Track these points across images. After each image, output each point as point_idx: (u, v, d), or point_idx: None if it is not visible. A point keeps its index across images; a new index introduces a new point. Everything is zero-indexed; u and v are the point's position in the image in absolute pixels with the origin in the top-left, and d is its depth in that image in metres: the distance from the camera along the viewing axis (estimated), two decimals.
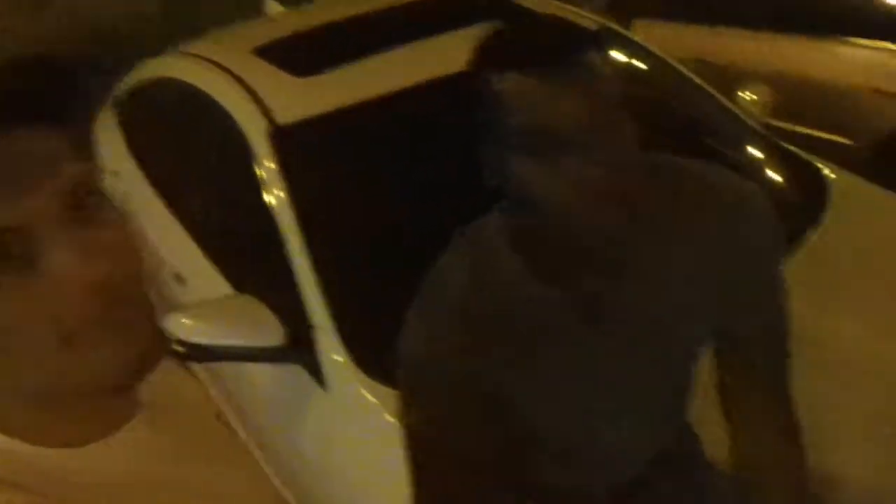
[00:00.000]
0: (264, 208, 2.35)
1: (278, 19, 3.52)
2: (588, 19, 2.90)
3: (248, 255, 2.54)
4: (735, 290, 1.30)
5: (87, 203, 0.73)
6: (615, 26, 3.15)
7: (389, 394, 1.99)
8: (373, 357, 2.07)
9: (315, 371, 2.17)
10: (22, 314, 0.70)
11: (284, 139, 2.43)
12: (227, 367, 2.57)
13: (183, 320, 2.21)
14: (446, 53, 2.51)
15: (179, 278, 2.82)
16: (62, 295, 0.70)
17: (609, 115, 1.09)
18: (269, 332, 2.15)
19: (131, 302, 0.75)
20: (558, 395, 1.32)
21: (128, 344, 0.74)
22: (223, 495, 0.88)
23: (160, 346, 0.80)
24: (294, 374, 2.23)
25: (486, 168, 1.16)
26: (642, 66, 2.96)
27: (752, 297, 1.33)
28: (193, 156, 2.96)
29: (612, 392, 1.34)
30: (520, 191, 1.13)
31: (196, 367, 3.06)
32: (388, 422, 1.99)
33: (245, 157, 2.48)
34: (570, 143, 1.06)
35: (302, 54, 2.78)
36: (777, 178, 2.79)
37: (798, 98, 4.02)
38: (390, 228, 2.22)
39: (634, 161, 1.15)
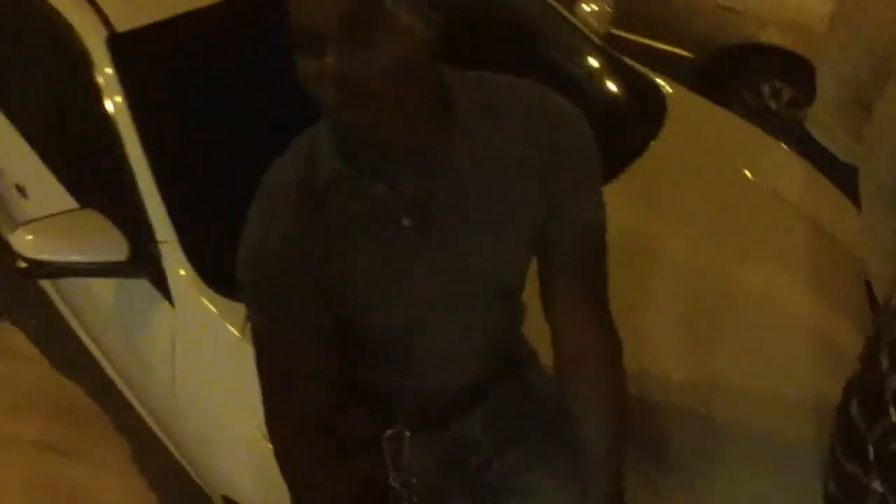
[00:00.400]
0: (105, 118, 2.30)
1: None
2: None
3: (90, 169, 2.48)
4: (555, 192, 1.36)
5: None
6: None
7: (234, 307, 2.03)
8: (217, 271, 2.08)
9: (161, 285, 2.17)
10: None
11: (123, 46, 2.36)
12: (74, 283, 2.54)
13: (26, 237, 2.16)
14: None
15: (21, 189, 2.74)
16: None
17: (377, 18, 1.12)
18: (113, 247, 2.13)
19: None
20: (383, 288, 1.38)
21: None
22: None
23: None
24: (140, 288, 2.22)
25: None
26: None
27: (571, 201, 1.38)
28: (30, 64, 2.83)
29: (442, 290, 1.39)
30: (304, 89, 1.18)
31: (44, 282, 3.01)
32: (233, 335, 2.03)
33: (84, 64, 2.40)
34: (325, 42, 1.12)
35: None
36: (615, 90, 2.89)
37: (640, 10, 4.13)
38: (230, 139, 2.21)
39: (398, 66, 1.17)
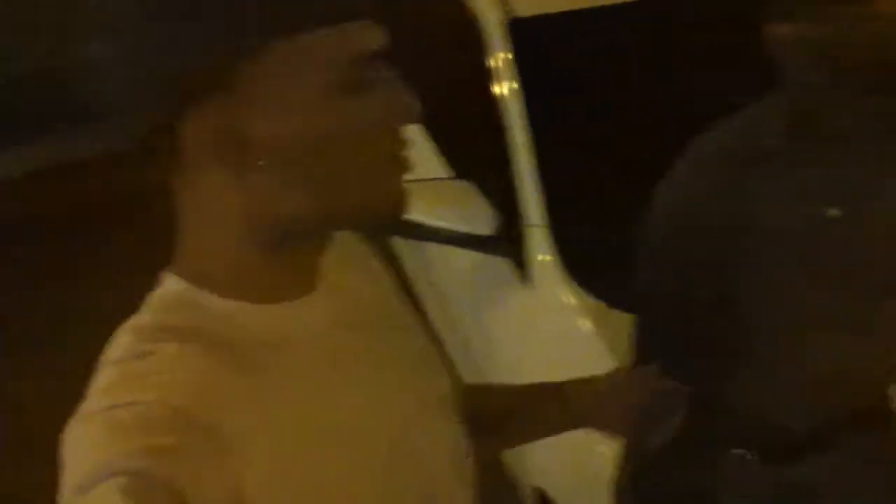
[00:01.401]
0: (493, 98, 2.36)
1: None
2: None
3: (470, 144, 2.57)
4: None
5: None
6: None
7: (589, 302, 2.02)
8: (581, 262, 2.08)
9: (520, 266, 2.20)
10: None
11: (521, 31, 2.41)
12: (433, 248, 2.66)
13: None
14: None
15: None
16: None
17: None
18: (482, 220, 2.20)
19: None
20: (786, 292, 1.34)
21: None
22: (401, 365, 0.94)
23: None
24: (498, 265, 2.27)
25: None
26: None
27: None
28: (423, 37, 2.98)
29: (854, 303, 1.32)
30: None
31: (400, 243, 3.18)
32: (585, 327, 2.01)
33: (477, 44, 2.49)
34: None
35: None
36: None
37: None
38: (618, 137, 2.19)
39: None
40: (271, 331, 0.83)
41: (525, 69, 2.36)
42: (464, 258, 2.44)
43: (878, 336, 1.38)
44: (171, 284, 0.84)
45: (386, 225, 2.34)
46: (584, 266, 2.08)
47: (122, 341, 0.81)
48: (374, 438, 0.86)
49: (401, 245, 3.22)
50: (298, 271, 0.86)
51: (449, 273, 2.63)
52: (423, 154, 2.74)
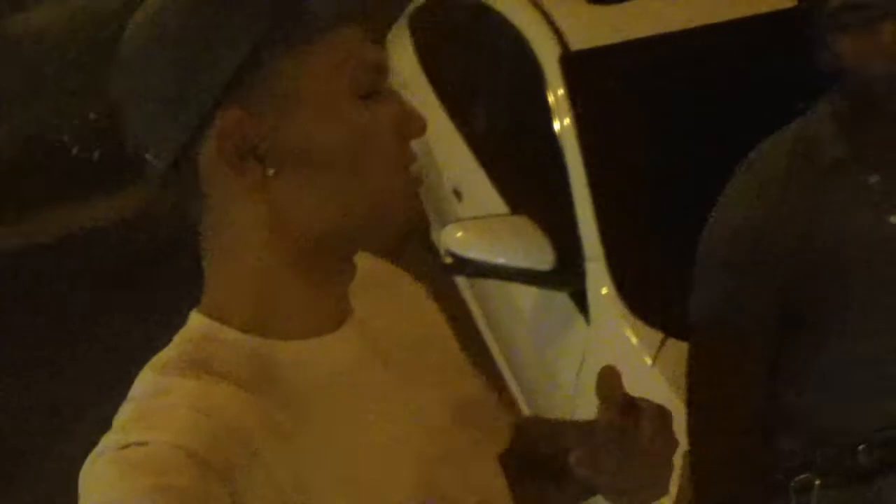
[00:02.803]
0: (549, 133, 2.36)
1: None
2: None
3: (527, 178, 2.57)
4: None
5: None
6: None
7: (650, 334, 1.99)
8: (641, 295, 2.06)
9: (579, 301, 2.18)
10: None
11: (576, 65, 2.42)
12: (492, 285, 2.65)
13: (457, 233, 2.28)
14: None
15: (457, 193, 2.91)
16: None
17: None
18: (541, 255, 2.18)
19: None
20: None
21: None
22: (426, 410, 0.91)
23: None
24: (557, 301, 2.25)
25: (813, 53, 1.26)
26: None
27: None
28: (480, 73, 3.01)
29: None
30: (836, 65, 1.23)
31: (460, 281, 3.18)
32: (645, 361, 1.98)
33: (533, 79, 2.49)
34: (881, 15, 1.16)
35: None
36: None
37: None
38: (672, 168, 2.17)
39: None
40: (297, 367, 0.82)
41: (582, 102, 2.35)
42: (524, 295, 2.43)
43: None
44: (195, 322, 0.84)
45: (447, 265, 2.34)
46: (643, 298, 2.05)
47: (144, 377, 0.81)
48: (401, 479, 0.85)
49: (462, 283, 3.22)
50: (326, 303, 0.86)
51: (510, 310, 2.62)
52: (480, 190, 2.75)
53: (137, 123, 0.81)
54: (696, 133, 2.24)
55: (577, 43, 2.47)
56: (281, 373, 0.82)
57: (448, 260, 2.33)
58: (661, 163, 2.20)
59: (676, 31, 2.42)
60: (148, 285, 3.95)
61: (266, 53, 0.77)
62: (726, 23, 2.40)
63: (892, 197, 1.30)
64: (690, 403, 1.45)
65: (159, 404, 0.77)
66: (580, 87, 2.37)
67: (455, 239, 2.28)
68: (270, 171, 0.78)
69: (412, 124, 0.84)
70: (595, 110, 2.33)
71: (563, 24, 2.53)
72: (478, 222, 2.35)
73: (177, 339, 0.84)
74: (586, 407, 2.10)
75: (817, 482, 1.45)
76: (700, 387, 1.44)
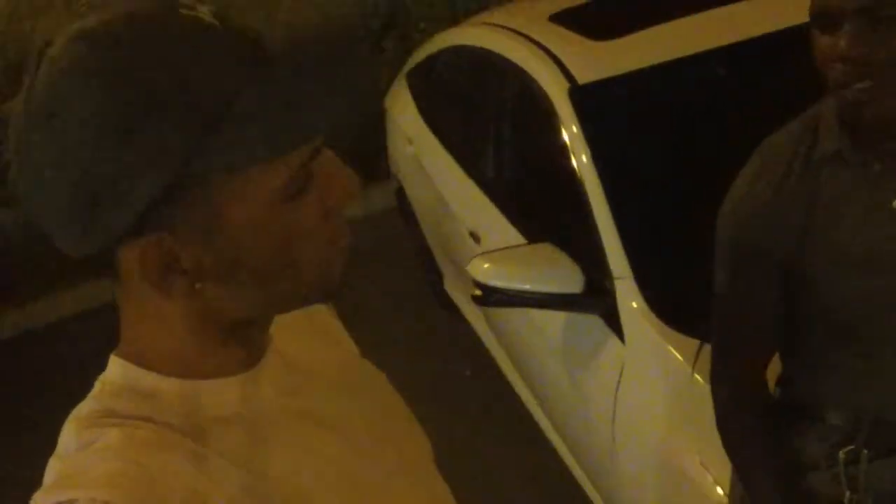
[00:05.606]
0: (565, 164, 2.43)
1: None
2: None
3: (545, 210, 2.62)
4: None
5: None
6: None
7: (686, 342, 2.03)
8: (671, 305, 2.11)
9: (611, 321, 2.22)
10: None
11: (584, 98, 2.50)
12: (515, 321, 2.67)
13: (484, 265, 2.32)
14: (738, 21, 2.57)
15: (474, 236, 2.96)
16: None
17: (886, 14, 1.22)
18: (570, 279, 2.23)
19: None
20: (861, 277, 1.38)
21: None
22: (357, 429, 0.92)
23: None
24: (589, 323, 2.29)
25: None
26: None
27: None
28: (488, 115, 3.09)
29: None
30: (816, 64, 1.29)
31: (472, 312, 3.21)
32: (683, 368, 2.02)
33: (544, 114, 2.57)
34: (840, 23, 1.23)
35: (596, 21, 2.85)
36: None
37: None
38: (682, 180, 2.25)
39: None
40: (222, 405, 0.82)
41: (594, 129, 2.43)
42: (551, 324, 2.47)
43: None
44: (115, 367, 0.82)
45: (475, 297, 2.37)
46: (673, 307, 2.10)
47: (69, 430, 0.80)
48: (345, 495, 0.86)
49: (481, 329, 3.26)
50: (247, 346, 0.85)
51: (537, 342, 2.65)
52: (498, 229, 2.80)
53: (44, 223, 0.76)
54: (698, 146, 2.35)
55: (584, 77, 2.56)
56: (205, 412, 0.81)
57: (476, 292, 2.36)
58: (671, 177, 2.28)
59: (675, 59, 2.52)
60: None
61: (180, 189, 0.73)
62: (722, 47, 2.52)
63: (892, 184, 1.34)
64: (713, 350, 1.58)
65: (82, 459, 0.76)
66: (591, 117, 2.45)
67: (482, 270, 2.31)
68: (198, 285, 0.77)
69: (334, 195, 0.80)
70: (606, 137, 2.41)
71: (568, 62, 2.63)
72: (503, 252, 2.39)
73: (98, 385, 0.82)
74: (623, 426, 2.14)
75: (865, 452, 1.49)
76: (715, 337, 1.57)
